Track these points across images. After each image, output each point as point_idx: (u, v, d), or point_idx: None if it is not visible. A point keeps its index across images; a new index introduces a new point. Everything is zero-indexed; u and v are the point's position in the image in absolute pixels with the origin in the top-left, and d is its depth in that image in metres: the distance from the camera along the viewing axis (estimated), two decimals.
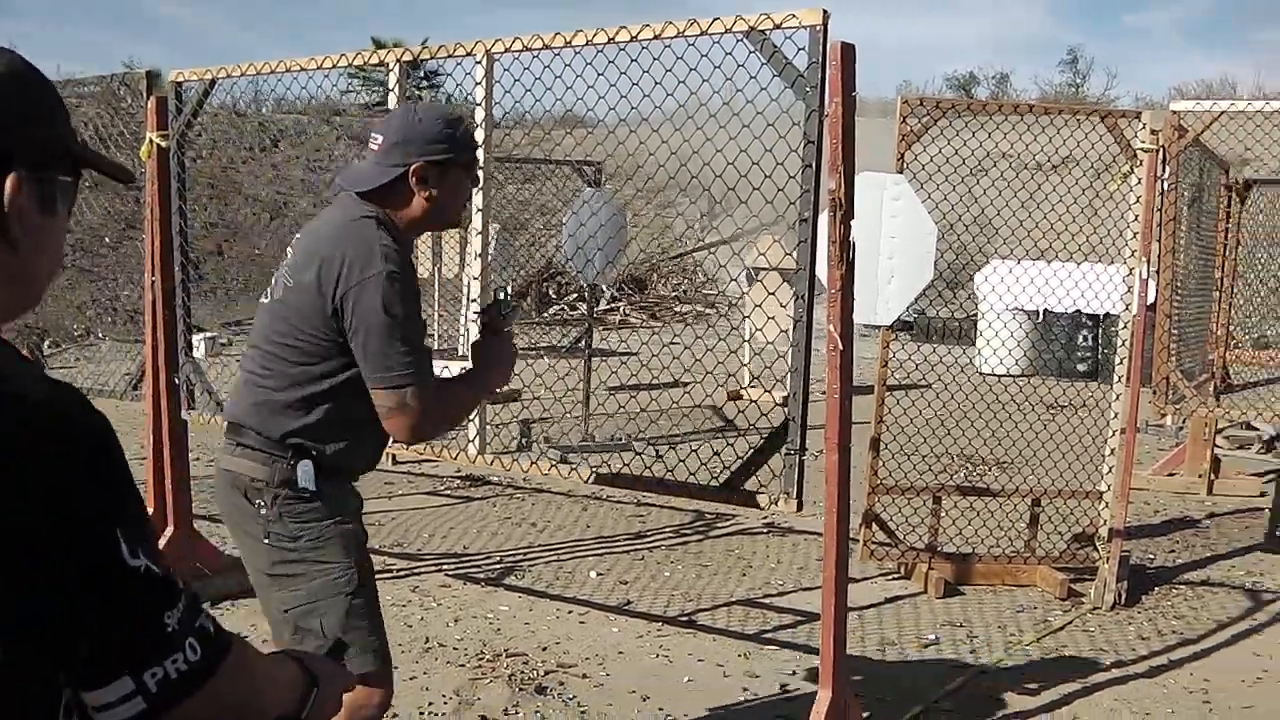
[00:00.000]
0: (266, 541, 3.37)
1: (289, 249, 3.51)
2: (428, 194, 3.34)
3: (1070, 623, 6.04)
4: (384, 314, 3.17)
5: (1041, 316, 15.93)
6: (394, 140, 3.35)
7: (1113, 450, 6.36)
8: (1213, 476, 9.28)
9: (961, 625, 5.98)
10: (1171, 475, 9.41)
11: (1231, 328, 10.13)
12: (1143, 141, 6.29)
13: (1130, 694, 5.18)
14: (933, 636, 5.80)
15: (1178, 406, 6.97)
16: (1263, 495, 9.27)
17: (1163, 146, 6.37)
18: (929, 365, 7.99)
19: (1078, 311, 15.53)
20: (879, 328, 6.32)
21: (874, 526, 6.55)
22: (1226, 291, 9.21)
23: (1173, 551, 7.49)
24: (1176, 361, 9.04)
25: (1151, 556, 7.32)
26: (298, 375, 3.34)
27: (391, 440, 3.47)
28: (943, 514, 6.69)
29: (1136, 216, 6.27)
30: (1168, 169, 6.45)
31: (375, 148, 3.37)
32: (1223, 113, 6.85)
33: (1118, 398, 6.32)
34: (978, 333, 15.87)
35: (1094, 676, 5.34)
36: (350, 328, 3.22)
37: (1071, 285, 7.27)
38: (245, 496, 3.39)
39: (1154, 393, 6.69)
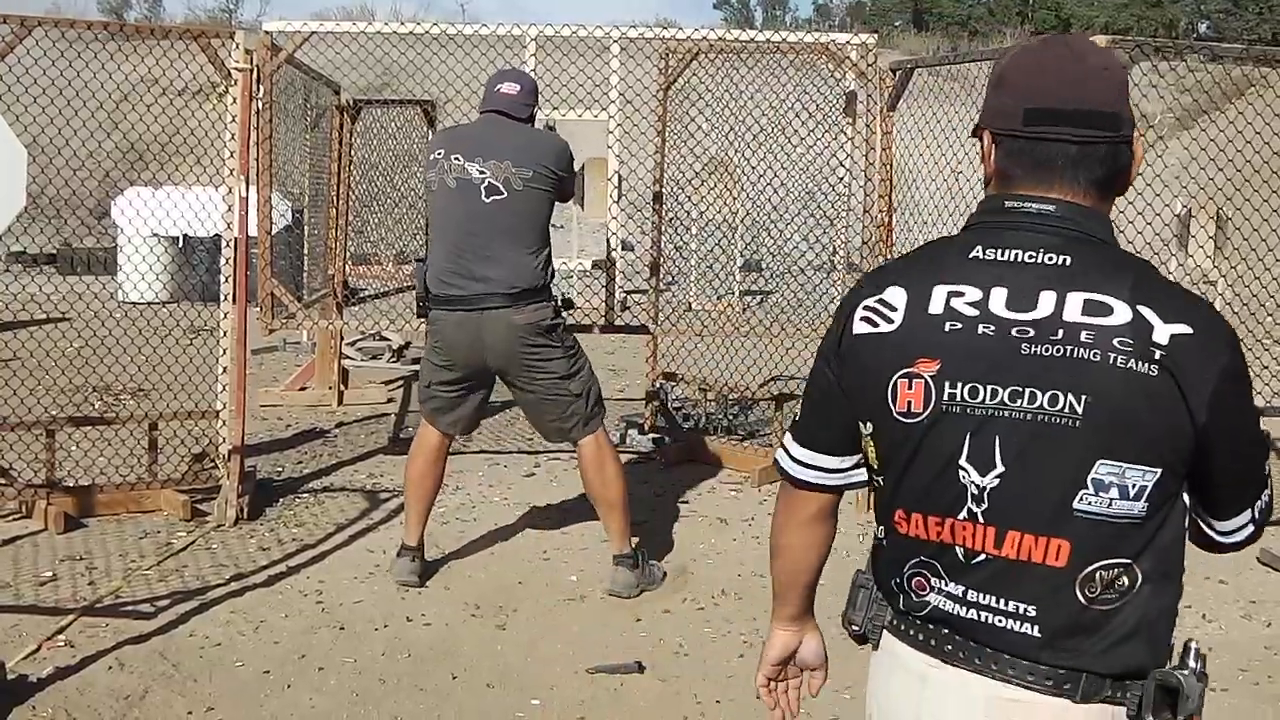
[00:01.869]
0: (564, 356, 5.45)
1: (468, 160, 5.33)
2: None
3: (193, 542, 6.08)
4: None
5: (182, 242, 15.76)
6: (529, 88, 5.58)
7: (225, 369, 6.46)
8: (342, 388, 9.65)
9: (82, 558, 5.83)
10: (304, 389, 9.69)
11: (363, 244, 10.57)
12: (236, 62, 6.36)
13: (246, 604, 5.30)
14: (50, 573, 5.62)
15: (286, 322, 7.19)
16: (390, 401, 9.79)
17: (257, 67, 6.47)
18: (75, 297, 7.66)
19: (218, 235, 15.62)
20: None
21: None
22: (343, 209, 9.56)
23: (300, 463, 7.73)
24: (308, 278, 9.32)
25: (280, 469, 7.51)
26: (542, 237, 5.42)
27: None
28: (58, 447, 6.50)
29: (234, 136, 6.35)
30: (262, 89, 6.56)
31: (513, 92, 5.48)
32: (313, 33, 7.06)
33: (225, 316, 6.41)
34: (118, 263, 15.48)
35: (212, 592, 5.41)
36: (566, 178, 5.52)
37: (214, 209, 7.22)
38: (545, 333, 5.37)
39: (260, 309, 6.84)
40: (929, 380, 1.97)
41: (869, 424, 2.05)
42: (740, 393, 8.06)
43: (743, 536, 6.47)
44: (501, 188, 5.30)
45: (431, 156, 5.51)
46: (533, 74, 7.05)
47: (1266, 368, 7.01)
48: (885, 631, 2.11)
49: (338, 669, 4.74)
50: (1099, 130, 1.98)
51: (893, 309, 2.02)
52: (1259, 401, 6.05)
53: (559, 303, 5.52)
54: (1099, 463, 1.89)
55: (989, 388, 1.93)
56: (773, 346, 8.08)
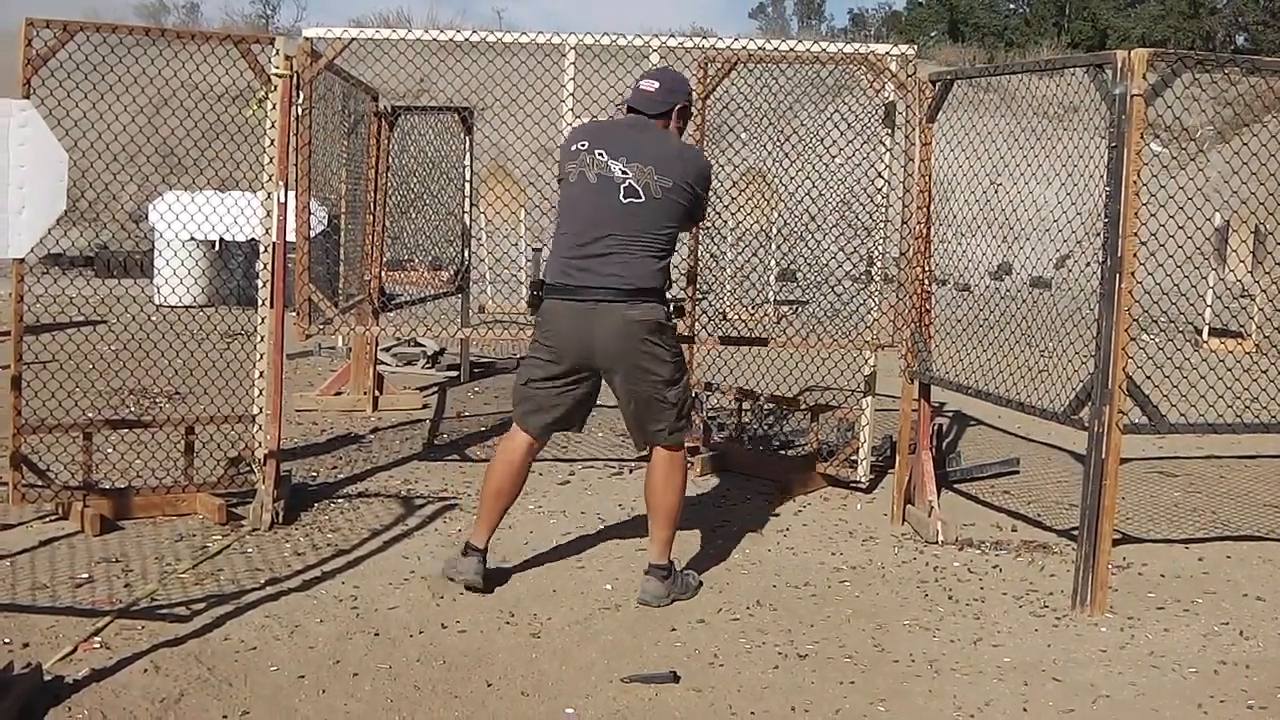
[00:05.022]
0: (670, 360, 5.48)
1: (612, 157, 5.38)
2: (680, 125, 5.60)
3: (228, 546, 6.08)
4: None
5: (219, 246, 15.85)
6: (669, 86, 5.54)
7: (261, 373, 6.48)
8: (377, 393, 9.68)
9: (118, 560, 5.85)
10: (338, 394, 9.72)
11: (399, 249, 10.60)
12: (276, 67, 6.38)
13: (281, 608, 5.30)
14: (86, 575, 5.64)
15: (323, 327, 7.21)
16: (425, 408, 9.81)
17: (296, 73, 6.49)
18: (113, 300, 7.69)
19: (255, 240, 15.69)
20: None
21: (23, 469, 6.26)
22: (380, 215, 9.59)
23: (335, 468, 7.74)
24: (344, 283, 9.34)
25: (315, 474, 7.53)
26: (668, 247, 5.45)
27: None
28: (95, 450, 6.53)
29: (273, 142, 6.37)
30: (301, 95, 6.58)
31: (650, 89, 5.51)
32: (353, 39, 7.08)
33: (263, 321, 6.43)
34: (155, 266, 15.56)
35: (247, 596, 5.41)
36: (700, 203, 5.57)
37: (251, 214, 7.25)
38: (656, 333, 5.38)
39: (297, 315, 6.86)
40: None
41: None
42: (777, 402, 8.03)
43: (777, 548, 6.45)
44: (640, 191, 5.34)
45: (572, 148, 5.53)
46: (573, 81, 7.05)
47: None
48: None
49: (372, 675, 4.73)
50: None
51: None
52: None
53: (671, 308, 5.52)
54: None
55: None
56: (809, 356, 8.05)
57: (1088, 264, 5.54)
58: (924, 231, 6.73)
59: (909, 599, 5.76)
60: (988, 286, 10.25)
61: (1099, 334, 5.47)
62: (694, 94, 5.79)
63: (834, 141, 7.61)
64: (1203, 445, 8.33)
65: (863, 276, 7.71)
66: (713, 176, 5.68)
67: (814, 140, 7.83)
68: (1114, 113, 5.43)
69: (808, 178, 7.85)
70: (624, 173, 5.34)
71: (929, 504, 6.65)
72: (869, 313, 7.30)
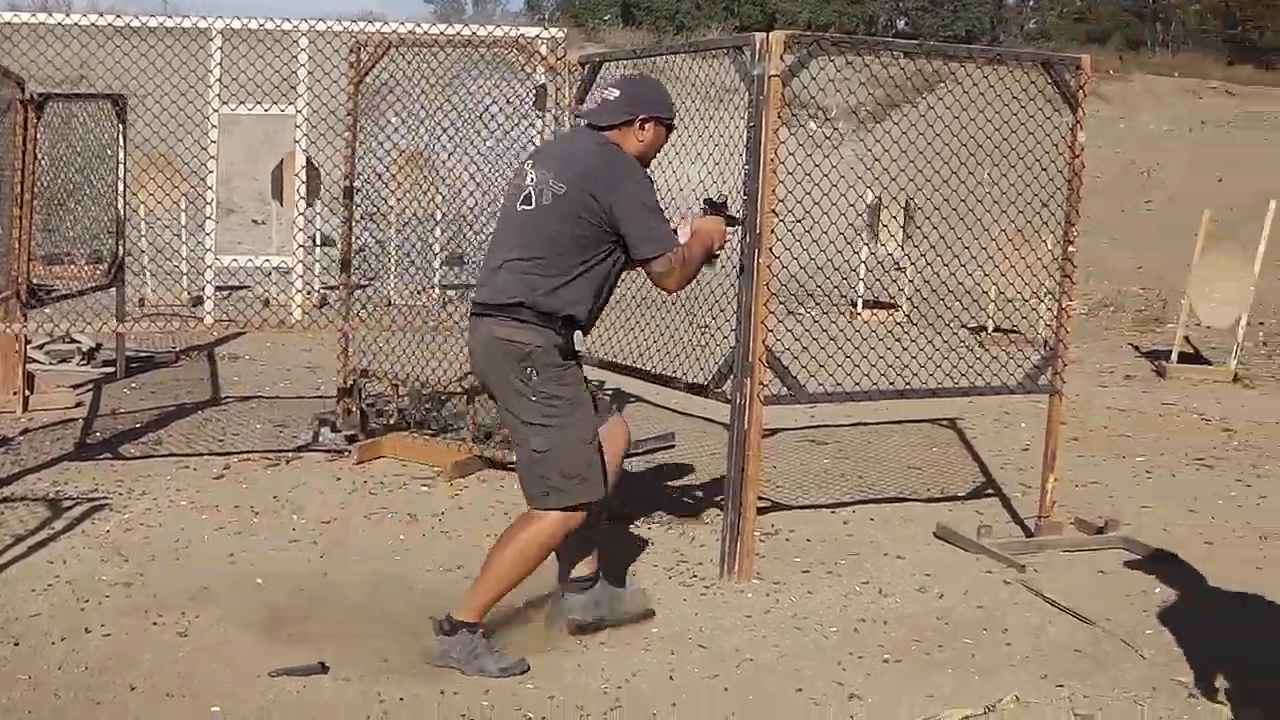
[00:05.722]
0: (534, 400, 4.71)
1: (532, 166, 4.89)
2: (645, 138, 4.96)
3: None
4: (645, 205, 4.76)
5: None
6: (629, 95, 4.94)
7: None
8: (27, 393, 9.25)
9: None
10: None
11: (57, 242, 10.15)
12: None
13: None
14: None
15: None
16: (79, 406, 9.43)
17: None
18: None
19: None
20: None
21: None
22: (26, 207, 9.16)
23: None
24: None
25: None
26: (570, 262, 4.71)
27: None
28: None
29: None
30: None
31: (606, 98, 4.94)
32: (6, 23, 6.76)
33: None
34: None
35: None
36: (620, 218, 4.70)
37: None
38: (519, 361, 4.68)
39: None
40: None
41: None
42: (433, 388, 8.03)
43: (432, 532, 6.46)
44: (534, 197, 4.80)
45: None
46: (219, 66, 6.87)
47: (954, 350, 7.36)
48: None
49: (10, 687, 4.54)
50: None
51: None
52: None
53: (558, 343, 4.75)
54: None
55: None
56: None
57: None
58: None
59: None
60: None
61: (739, 308, 5.66)
62: (673, 106, 5.03)
63: (486, 124, 7.64)
64: (851, 413, 8.68)
65: None
66: (641, 194, 4.78)
67: (471, 123, 7.85)
68: (753, 93, 5.62)
69: (462, 161, 7.86)
70: (531, 180, 4.86)
71: None
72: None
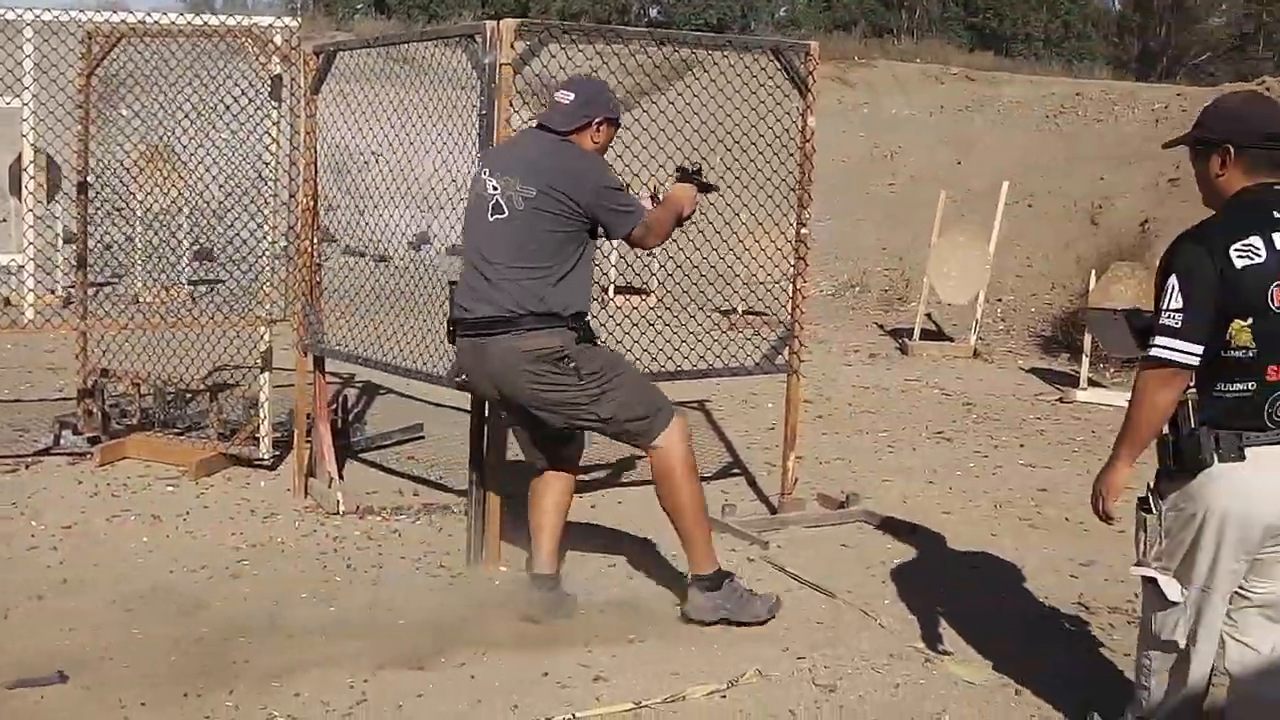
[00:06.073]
0: (583, 382, 4.90)
1: (489, 174, 5.01)
2: (598, 140, 5.09)
3: None
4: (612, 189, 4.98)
5: None
6: (588, 98, 5.06)
7: None
8: None
9: None
10: None
11: None
12: None
13: None
14: None
15: None
16: None
17: None
18: None
19: None
20: None
21: None
22: None
23: None
24: None
25: None
26: (561, 260, 4.89)
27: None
28: None
29: None
30: None
31: (564, 101, 5.02)
32: None
33: None
34: None
35: None
36: (597, 210, 4.90)
37: None
38: (556, 362, 4.86)
39: None
40: None
41: (1249, 318, 3.60)
42: (177, 386, 7.83)
43: (176, 533, 6.31)
44: (505, 205, 4.93)
45: (475, 172, 5.23)
46: None
47: (708, 333, 7.45)
48: (1249, 448, 3.64)
49: None
50: None
51: (1257, 249, 3.61)
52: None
53: (576, 335, 4.97)
54: None
55: None
56: (214, 336, 7.87)
57: None
58: (311, 204, 6.73)
59: (307, 572, 5.78)
60: (406, 257, 10.33)
61: None
62: (618, 105, 5.22)
63: (221, 116, 7.48)
64: None
65: (259, 252, 7.62)
66: (606, 180, 4.99)
67: (209, 115, 7.67)
68: (484, 81, 5.61)
69: (203, 153, 7.69)
70: (494, 189, 4.97)
71: (329, 475, 6.69)
72: (262, 288, 7.24)
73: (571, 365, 4.91)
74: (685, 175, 5.40)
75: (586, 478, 6.86)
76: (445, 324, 5.28)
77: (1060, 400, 10.41)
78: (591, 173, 4.97)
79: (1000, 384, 11.08)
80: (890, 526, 6.63)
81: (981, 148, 17.77)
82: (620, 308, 7.32)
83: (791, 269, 6.62)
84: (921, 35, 40.65)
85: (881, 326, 14.20)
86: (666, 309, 7.86)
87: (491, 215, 4.96)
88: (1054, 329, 13.18)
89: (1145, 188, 14.72)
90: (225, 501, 6.82)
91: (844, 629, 5.22)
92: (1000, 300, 14.29)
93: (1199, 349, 3.64)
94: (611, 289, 14.07)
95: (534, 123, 5.22)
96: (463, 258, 5.18)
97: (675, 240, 5.65)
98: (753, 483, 7.44)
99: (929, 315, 13.50)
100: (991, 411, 9.84)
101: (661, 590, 5.61)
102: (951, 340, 13.15)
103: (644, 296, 12.70)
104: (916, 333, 12.87)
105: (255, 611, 5.26)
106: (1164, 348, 3.67)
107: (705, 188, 5.43)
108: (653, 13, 47.73)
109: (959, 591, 5.70)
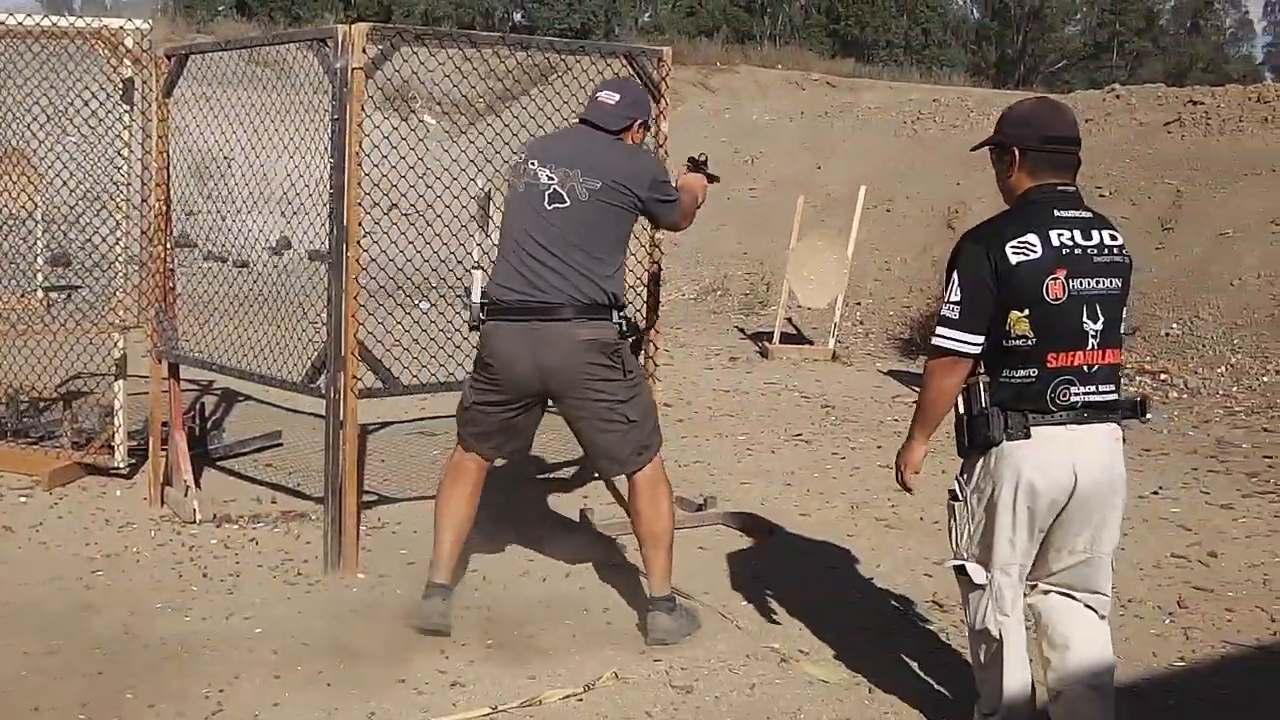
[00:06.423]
0: (626, 379, 5.08)
1: (540, 164, 5.02)
2: (635, 139, 5.26)
3: None
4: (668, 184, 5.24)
5: None
6: (632, 100, 5.24)
7: None
8: None
9: None
10: None
11: None
12: None
13: None
14: None
15: None
16: None
17: None
18: None
19: None
20: None
21: None
22: None
23: None
24: None
25: None
26: (615, 253, 5.06)
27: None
28: None
29: None
30: None
31: (610, 102, 5.15)
32: None
33: None
34: None
35: None
36: (655, 206, 5.14)
37: None
38: (611, 354, 5.00)
39: None
40: (1064, 280, 3.89)
41: (1025, 309, 3.89)
42: (30, 394, 7.68)
43: (29, 544, 6.20)
44: (565, 196, 4.95)
45: (516, 162, 5.20)
46: None
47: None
48: (1035, 427, 3.93)
49: None
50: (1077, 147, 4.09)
51: (1033, 246, 3.90)
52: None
53: (624, 327, 5.08)
54: (1124, 309, 4.05)
55: (1089, 280, 3.92)
56: (70, 344, 7.71)
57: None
58: (164, 209, 6.64)
59: (163, 581, 5.71)
60: (267, 262, 10.23)
61: (330, 302, 5.63)
62: (651, 109, 5.45)
63: (73, 120, 7.35)
64: None
65: (113, 258, 7.50)
66: (661, 175, 5.20)
67: (60, 119, 7.52)
68: (336, 85, 5.59)
69: (56, 157, 7.55)
70: (550, 179, 4.99)
71: (185, 484, 6.61)
72: (115, 294, 7.12)
73: (619, 359, 5.06)
74: (694, 165, 5.63)
75: None
76: (471, 309, 5.21)
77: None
78: (650, 168, 5.19)
79: (858, 386, 11.24)
80: (748, 528, 6.71)
81: (841, 153, 18.04)
82: None
83: (646, 274, 6.64)
84: (784, 42, 41.13)
85: (742, 330, 14.35)
86: None
87: (549, 204, 4.98)
88: (912, 331, 13.40)
89: (999, 193, 15.01)
90: (80, 511, 6.71)
91: (701, 631, 5.26)
92: (859, 303, 14.52)
93: (977, 338, 3.98)
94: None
95: (575, 120, 5.42)
96: (500, 243, 5.18)
97: None
98: (611, 485, 7.47)
99: (789, 319, 13.66)
100: (850, 414, 9.99)
101: (523, 594, 5.63)
102: (811, 343, 13.33)
103: None
104: (776, 336, 13.02)
105: (109, 623, 5.18)
106: (944, 337, 4.01)
107: (711, 178, 5.67)
108: (516, 17, 47.70)
109: (815, 592, 5.79)
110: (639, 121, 5.27)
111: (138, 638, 5.04)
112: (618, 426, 5.10)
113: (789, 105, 21.41)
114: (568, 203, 4.97)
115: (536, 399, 5.16)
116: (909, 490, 4.32)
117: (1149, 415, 4.27)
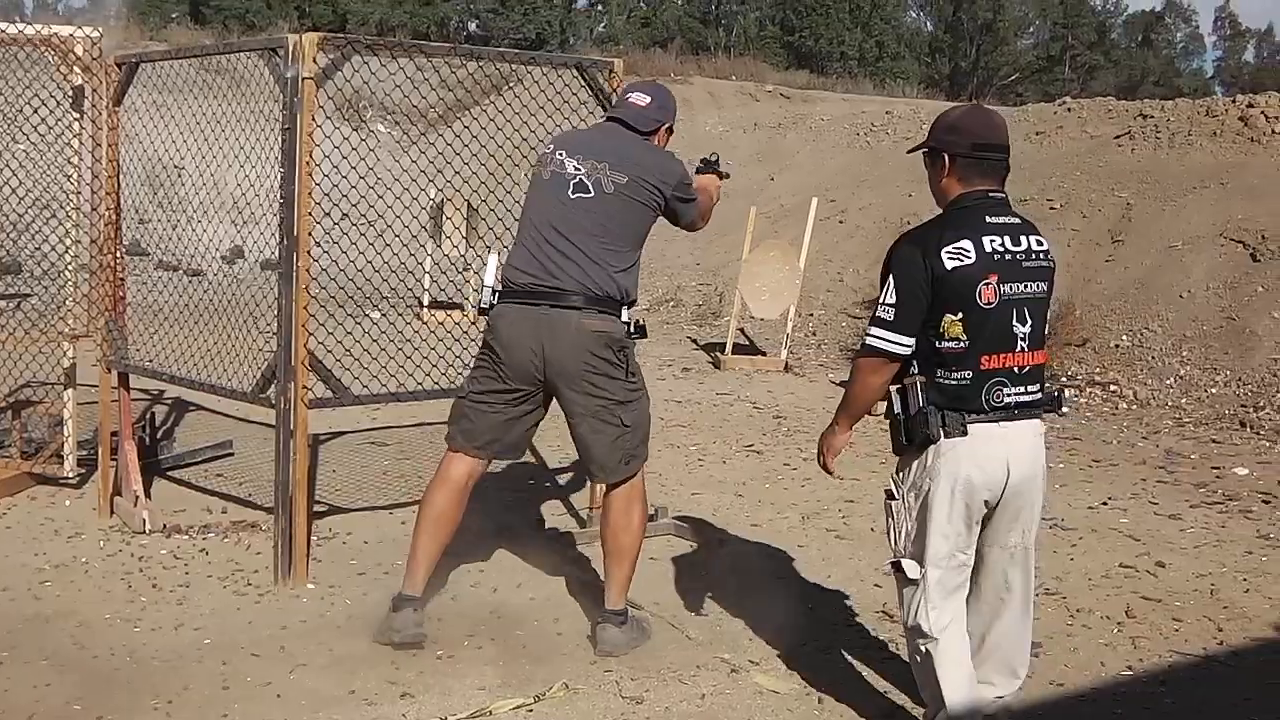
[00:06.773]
0: (626, 379, 5.08)
1: (568, 155, 5.08)
2: (663, 142, 5.31)
3: None
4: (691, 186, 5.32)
5: None
6: (661, 103, 5.30)
7: None
8: None
9: None
10: None
11: None
12: None
13: None
14: None
15: None
16: None
17: None
18: None
19: None
20: None
21: None
22: None
23: None
24: None
25: None
26: (633, 248, 5.10)
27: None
28: None
29: None
30: None
31: (641, 103, 5.26)
32: None
33: None
34: None
35: None
36: (676, 198, 5.16)
37: None
38: (618, 350, 5.02)
39: None
40: (995, 285, 4.02)
41: (959, 313, 4.01)
42: None
43: None
44: (590, 187, 5.00)
45: (542, 152, 5.22)
46: None
47: None
48: (971, 425, 4.05)
49: None
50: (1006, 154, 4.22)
51: (967, 251, 4.01)
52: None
53: (631, 326, 5.09)
54: (1046, 313, 4.23)
55: (1019, 285, 4.07)
56: (19, 352, 7.66)
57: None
58: (113, 217, 6.61)
59: (113, 592, 5.68)
60: (219, 271, 10.18)
61: (280, 312, 5.62)
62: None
63: (21, 127, 7.31)
64: (416, 414, 8.66)
65: (62, 266, 7.46)
66: (685, 176, 5.24)
67: (10, 125, 7.48)
68: (287, 95, 5.59)
69: (6, 164, 7.51)
70: (576, 169, 5.03)
71: (135, 494, 6.58)
72: (64, 302, 7.08)
73: (624, 358, 5.07)
74: (707, 165, 5.69)
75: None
76: (483, 294, 5.20)
77: (869, 414, 10.62)
78: (679, 170, 5.21)
79: (811, 397, 11.28)
80: (699, 539, 6.73)
81: (794, 165, 18.13)
82: (437, 322, 7.31)
83: None
84: (739, 53, 41.24)
85: (695, 341, 14.38)
86: (474, 324, 7.87)
87: (573, 193, 5.01)
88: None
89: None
90: (29, 521, 6.65)
91: (651, 641, 5.28)
92: (811, 314, 14.59)
93: (908, 340, 4.10)
94: (427, 303, 13.97)
95: (603, 118, 5.54)
96: (519, 229, 5.19)
97: (482, 256, 5.70)
98: (563, 497, 7.49)
99: (742, 330, 13.71)
100: (802, 424, 10.02)
101: (474, 604, 5.64)
102: (764, 354, 13.37)
103: (458, 312, 12.66)
104: (729, 347, 13.05)
105: (57, 634, 5.15)
106: (876, 337, 4.14)
107: (722, 175, 5.75)
108: (472, 26, 47.64)
109: (766, 602, 5.81)
110: (666, 126, 5.33)
111: (86, 649, 5.01)
112: (611, 429, 5.09)
113: (743, 116, 21.51)
114: (592, 194, 5.02)
115: (535, 391, 5.11)
116: (830, 472, 4.60)
117: (1065, 410, 4.62)
